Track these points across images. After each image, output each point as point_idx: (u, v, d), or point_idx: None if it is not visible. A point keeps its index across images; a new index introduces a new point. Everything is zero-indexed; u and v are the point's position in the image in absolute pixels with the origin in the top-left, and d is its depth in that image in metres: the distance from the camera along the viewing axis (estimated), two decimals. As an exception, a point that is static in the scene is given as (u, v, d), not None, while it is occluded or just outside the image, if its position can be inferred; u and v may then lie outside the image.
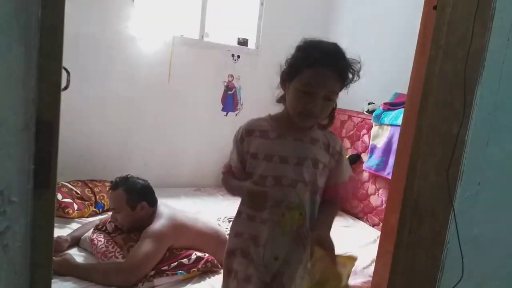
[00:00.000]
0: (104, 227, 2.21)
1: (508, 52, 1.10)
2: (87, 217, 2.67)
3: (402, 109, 2.28)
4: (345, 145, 3.51)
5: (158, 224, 2.02)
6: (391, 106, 2.94)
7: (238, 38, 3.81)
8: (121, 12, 3.27)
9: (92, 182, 2.95)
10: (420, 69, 1.26)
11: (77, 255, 2.07)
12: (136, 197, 2.09)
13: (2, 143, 0.58)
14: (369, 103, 3.21)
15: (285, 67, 1.18)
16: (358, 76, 1.15)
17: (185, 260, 1.99)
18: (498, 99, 1.12)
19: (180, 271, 1.95)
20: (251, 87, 3.79)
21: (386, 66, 3.11)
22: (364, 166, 3.17)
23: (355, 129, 3.44)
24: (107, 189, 2.59)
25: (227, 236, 1.35)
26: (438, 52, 1.13)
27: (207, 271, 2.03)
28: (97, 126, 3.34)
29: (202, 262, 2.01)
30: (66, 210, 2.55)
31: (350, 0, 3.86)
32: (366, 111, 3.24)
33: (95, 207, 2.78)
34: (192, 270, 1.98)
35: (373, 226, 3.08)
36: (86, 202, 2.74)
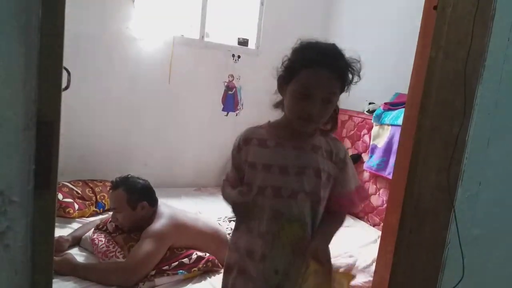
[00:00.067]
0: (105, 227, 2.21)
1: (508, 52, 1.10)
2: (87, 217, 2.67)
3: (403, 109, 2.28)
4: (346, 145, 3.51)
5: (158, 224, 2.02)
6: (391, 106, 2.94)
7: (239, 38, 3.81)
8: (122, 12, 3.27)
9: (93, 182, 2.95)
10: (420, 69, 1.26)
11: (78, 255, 2.07)
12: (137, 197, 2.09)
13: (2, 143, 0.58)
14: (370, 103, 3.21)
15: (281, 70, 1.13)
16: (359, 76, 1.09)
17: (185, 260, 1.99)
18: (499, 99, 1.12)
19: (181, 271, 1.95)
20: (251, 87, 3.79)
21: (386, 66, 3.11)
22: (365, 166, 3.17)
23: (355, 129, 3.44)
24: (108, 189, 2.59)
25: (228, 236, 1.35)
26: (438, 52, 1.13)
27: (207, 271, 2.03)
28: (98, 126, 3.34)
29: (203, 261, 2.02)
30: (67, 210, 2.56)
31: (350, 0, 3.86)
32: (366, 111, 3.24)
33: (95, 207, 2.78)
34: (192, 270, 1.98)
35: (373, 226, 3.08)
36: (87, 202, 2.74)
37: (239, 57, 3.76)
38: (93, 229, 2.23)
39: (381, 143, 2.98)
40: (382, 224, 2.58)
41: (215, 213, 2.78)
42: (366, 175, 3.21)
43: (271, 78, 1.16)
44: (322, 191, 1.13)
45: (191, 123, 3.70)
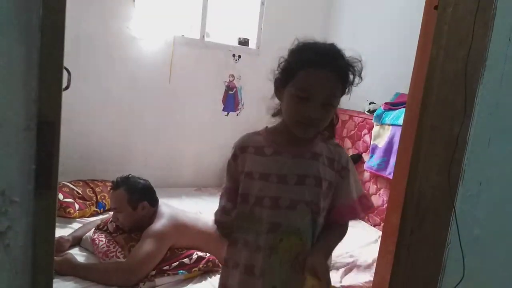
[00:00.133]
0: (105, 227, 2.21)
1: (509, 52, 1.10)
2: (88, 217, 2.67)
3: (403, 109, 2.28)
4: (346, 145, 3.51)
5: (159, 224, 2.02)
6: (392, 106, 2.94)
7: (239, 38, 3.81)
8: (122, 12, 3.27)
9: (93, 182, 2.95)
10: (421, 69, 1.26)
11: (78, 255, 2.07)
12: (137, 197, 2.10)
13: (3, 143, 0.58)
14: (370, 103, 3.21)
15: (278, 72, 1.06)
16: (360, 77, 1.02)
17: (186, 260, 1.99)
18: (500, 98, 1.12)
19: (181, 271, 1.95)
20: (252, 87, 3.79)
21: (387, 66, 3.10)
22: (365, 166, 3.17)
23: (356, 129, 3.44)
24: (108, 189, 2.59)
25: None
26: (439, 52, 1.13)
27: (208, 271, 2.04)
28: (98, 126, 3.34)
29: (203, 261, 2.02)
30: (68, 210, 2.56)
31: (351, 0, 3.85)
32: (367, 111, 3.23)
33: (96, 207, 2.78)
34: (193, 270, 1.98)
35: (374, 226, 3.08)
36: (87, 202, 2.74)
37: (239, 57, 3.76)
38: (93, 229, 2.23)
39: (381, 143, 2.98)
40: (382, 224, 2.58)
41: (215, 213, 2.78)
42: (366, 175, 3.21)
43: (272, 78, 1.12)
44: (323, 201, 1.06)
45: (191, 123, 3.70)
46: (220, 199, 1.18)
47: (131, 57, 3.35)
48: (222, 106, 3.80)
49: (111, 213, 2.23)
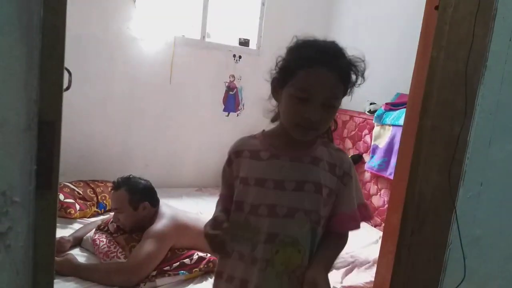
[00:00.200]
0: (106, 227, 2.21)
1: (510, 52, 1.10)
2: (89, 217, 2.67)
3: (404, 109, 2.28)
4: (347, 145, 3.51)
5: (160, 225, 2.03)
6: (392, 106, 2.94)
7: (240, 39, 3.81)
8: (123, 13, 3.27)
9: (94, 183, 2.95)
10: (421, 69, 1.26)
11: (79, 255, 2.07)
12: (138, 197, 2.10)
13: (4, 144, 0.58)
14: (371, 103, 3.21)
15: (275, 72, 0.99)
16: (363, 77, 0.96)
17: (187, 260, 1.99)
18: (500, 99, 1.12)
19: (182, 271, 1.95)
20: (252, 88, 3.79)
21: (387, 67, 3.10)
22: (366, 166, 3.17)
23: (356, 129, 3.44)
24: (109, 190, 2.59)
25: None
26: (439, 52, 1.13)
27: (209, 271, 2.03)
28: (99, 127, 3.34)
29: (204, 262, 2.02)
30: (68, 211, 2.56)
31: (351, 0, 3.86)
32: (367, 111, 3.23)
33: (97, 208, 2.79)
34: (194, 270, 1.98)
35: (375, 227, 3.07)
36: (88, 203, 2.74)
37: (240, 57, 3.76)
38: (94, 230, 2.23)
39: (382, 143, 2.98)
40: (383, 224, 2.58)
41: (216, 214, 2.78)
42: (367, 175, 3.21)
43: (269, 78, 1.05)
44: (323, 209, 0.99)
45: (192, 124, 3.70)
46: (216, 207, 1.12)
47: (132, 58, 3.35)
48: (223, 107, 3.81)
49: (112, 213, 2.23)
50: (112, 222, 2.19)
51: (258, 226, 0.97)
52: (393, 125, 2.87)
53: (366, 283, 2.15)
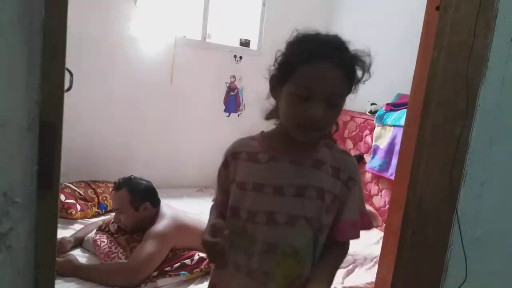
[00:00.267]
0: (107, 228, 2.21)
1: (511, 53, 1.10)
2: (90, 218, 2.67)
3: (405, 110, 2.27)
4: (348, 146, 3.51)
5: (161, 225, 2.03)
6: (393, 106, 2.94)
7: (240, 39, 3.82)
8: (123, 13, 3.28)
9: (95, 183, 2.96)
10: (423, 69, 1.26)
11: (80, 255, 2.07)
12: (140, 197, 2.10)
13: (5, 144, 0.58)
14: (372, 104, 3.21)
15: (274, 68, 0.92)
16: (369, 73, 0.89)
17: (187, 261, 1.99)
18: (501, 99, 1.12)
19: (183, 272, 1.95)
20: (253, 88, 3.79)
21: (388, 67, 3.10)
22: (367, 167, 3.17)
23: (357, 129, 3.43)
24: (110, 190, 2.60)
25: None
26: (440, 52, 1.13)
27: (209, 272, 2.03)
28: (100, 127, 3.35)
29: (205, 262, 2.01)
30: (69, 211, 2.56)
31: (352, 1, 3.86)
32: (368, 112, 3.23)
33: (98, 208, 2.79)
34: (195, 271, 1.98)
35: (376, 227, 3.07)
36: (89, 203, 2.74)
37: (241, 58, 3.77)
38: (95, 230, 2.23)
39: (383, 144, 2.98)
40: (384, 225, 2.57)
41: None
42: (368, 176, 3.21)
43: (268, 76, 0.99)
44: (325, 217, 0.91)
45: (193, 124, 3.70)
46: (210, 214, 1.05)
47: (133, 58, 3.36)
48: (224, 107, 3.81)
49: (113, 214, 2.23)
50: (113, 222, 2.19)
51: (256, 234, 0.90)
52: (394, 126, 2.87)
53: (367, 283, 2.14)
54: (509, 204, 1.21)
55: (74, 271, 1.86)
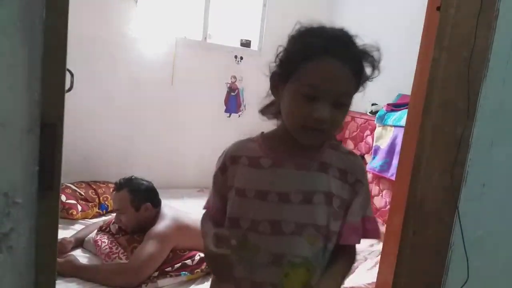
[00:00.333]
0: (108, 228, 2.21)
1: (512, 53, 1.10)
2: (90, 218, 2.68)
3: (406, 110, 2.27)
4: (349, 146, 3.50)
5: (161, 225, 2.03)
6: (394, 107, 2.93)
7: (241, 40, 3.82)
8: (124, 14, 3.28)
9: (96, 184, 2.96)
10: (423, 70, 1.26)
11: (81, 256, 2.08)
12: (141, 198, 2.10)
13: (6, 145, 0.58)
14: (373, 104, 3.21)
15: (276, 65, 0.85)
16: (379, 69, 0.83)
17: (188, 261, 1.99)
18: (503, 99, 1.12)
19: (184, 272, 1.95)
20: (254, 88, 3.79)
21: (389, 67, 3.08)
22: (368, 167, 3.16)
23: (358, 130, 3.43)
24: (111, 191, 2.60)
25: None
26: (441, 53, 1.13)
27: (210, 272, 2.03)
28: (101, 128, 3.35)
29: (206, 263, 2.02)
30: (70, 211, 2.56)
31: (353, 1, 3.86)
32: (369, 112, 3.23)
33: (98, 209, 2.79)
34: (195, 271, 1.98)
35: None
36: (90, 204, 2.75)
37: (241, 58, 3.77)
38: (96, 231, 2.23)
39: (384, 144, 2.97)
40: (385, 225, 2.57)
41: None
42: (369, 176, 3.21)
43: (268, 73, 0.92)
44: (334, 223, 0.85)
45: (193, 124, 3.70)
46: (203, 223, 0.97)
47: (134, 59, 3.36)
48: (224, 108, 3.81)
49: (114, 214, 2.23)
50: (114, 223, 2.19)
51: (259, 244, 0.84)
52: (395, 126, 2.86)
53: (368, 284, 2.14)
54: (510, 204, 1.21)
55: (75, 271, 1.86)
